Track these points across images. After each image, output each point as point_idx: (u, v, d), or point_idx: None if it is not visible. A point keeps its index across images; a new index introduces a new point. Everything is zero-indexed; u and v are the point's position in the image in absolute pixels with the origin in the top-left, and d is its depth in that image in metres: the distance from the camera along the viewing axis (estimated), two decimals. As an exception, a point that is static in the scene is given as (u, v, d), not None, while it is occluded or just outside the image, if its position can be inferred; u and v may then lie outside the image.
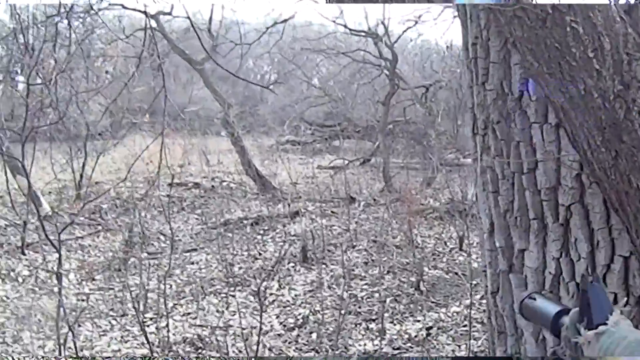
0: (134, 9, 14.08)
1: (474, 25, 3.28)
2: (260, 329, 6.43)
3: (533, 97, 3.06)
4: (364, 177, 16.23)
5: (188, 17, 14.04)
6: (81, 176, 13.57)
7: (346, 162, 16.47)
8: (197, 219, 13.21)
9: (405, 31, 17.77)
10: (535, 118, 3.09)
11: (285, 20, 15.43)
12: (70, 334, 6.31)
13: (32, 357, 6.86)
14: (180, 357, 7.00)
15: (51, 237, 7.24)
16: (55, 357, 6.69)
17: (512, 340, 3.49)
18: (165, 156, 7.89)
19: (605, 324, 1.89)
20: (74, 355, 6.45)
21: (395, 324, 7.54)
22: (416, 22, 17.25)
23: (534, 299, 2.35)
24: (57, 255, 9.45)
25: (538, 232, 3.17)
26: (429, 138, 16.21)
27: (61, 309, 6.25)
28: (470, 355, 6.70)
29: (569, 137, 2.85)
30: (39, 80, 10.78)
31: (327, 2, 17.18)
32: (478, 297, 8.05)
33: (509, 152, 3.21)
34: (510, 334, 3.48)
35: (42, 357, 6.86)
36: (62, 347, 6.25)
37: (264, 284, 8.93)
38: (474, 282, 8.59)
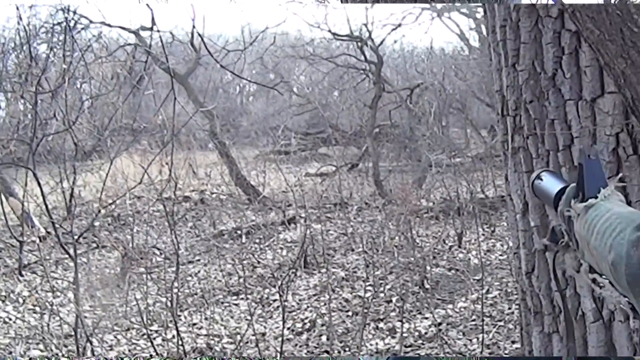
0: (119, 26, 14.14)
1: (502, 8, 3.32)
2: (284, 326, 6.46)
3: (567, 74, 3.10)
4: (353, 182, 16.21)
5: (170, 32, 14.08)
6: (71, 196, 13.48)
7: (335, 168, 16.45)
8: (189, 232, 13.19)
9: (389, 33, 17.90)
10: (570, 95, 3.12)
11: (265, 30, 15.48)
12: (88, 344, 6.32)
13: None
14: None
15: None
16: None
17: (549, 320, 3.51)
18: (170, 170, 7.95)
19: (597, 197, 1.88)
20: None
21: (404, 322, 7.54)
22: (399, 25, 17.38)
23: (541, 179, 2.30)
24: (56, 274, 9.45)
25: (575, 208, 3.19)
26: (416, 140, 16.28)
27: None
28: (484, 348, 6.75)
29: (628, 104, 2.88)
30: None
31: (342, 2, 17.19)
32: (484, 291, 8.09)
33: (543, 131, 3.24)
34: (547, 313, 3.50)
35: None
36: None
37: (267, 290, 8.98)
38: (477, 278, 8.65)
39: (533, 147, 3.32)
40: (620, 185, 2.16)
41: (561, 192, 2.09)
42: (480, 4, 17.83)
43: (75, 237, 7.31)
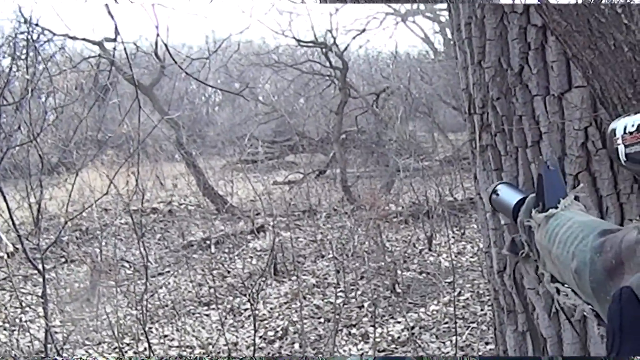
0: (82, 39, 14.02)
1: (466, 5, 3.30)
2: (255, 335, 6.41)
3: (534, 70, 3.08)
4: (321, 189, 16.17)
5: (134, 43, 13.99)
6: (38, 210, 13.33)
7: (302, 175, 16.42)
8: (158, 243, 13.08)
9: (354, 38, 17.91)
10: (537, 90, 3.11)
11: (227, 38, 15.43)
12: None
13: None
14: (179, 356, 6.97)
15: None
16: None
17: (522, 318, 3.49)
18: (136, 180, 7.87)
19: (557, 207, 1.90)
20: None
21: (376, 327, 7.51)
22: (364, 30, 17.38)
23: (497, 193, 2.31)
24: (25, 290, 9.31)
25: (544, 204, 3.17)
26: (383, 145, 16.27)
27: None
28: (458, 349, 6.74)
29: (597, 95, 2.85)
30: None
31: (320, 2, 17.15)
32: (455, 294, 8.09)
33: (510, 128, 3.22)
34: (521, 311, 3.48)
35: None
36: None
37: (237, 299, 8.92)
38: (448, 280, 8.65)
39: (501, 144, 3.30)
40: (581, 195, 2.17)
41: (520, 203, 2.10)
42: (444, 4, 17.89)
43: (43, 250, 7.19)
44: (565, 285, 1.79)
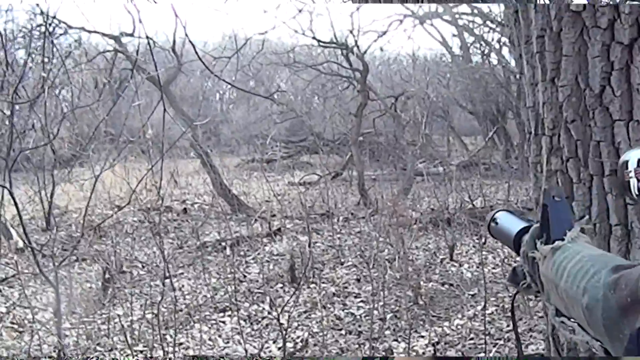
0: (99, 32, 13.83)
1: (539, 16, 3.03)
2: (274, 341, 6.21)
3: (617, 92, 2.82)
4: (337, 192, 16.00)
5: (150, 38, 13.78)
6: (50, 205, 13.17)
7: (319, 177, 16.27)
8: (171, 243, 12.87)
9: (375, 40, 17.74)
10: (619, 115, 2.85)
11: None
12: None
13: None
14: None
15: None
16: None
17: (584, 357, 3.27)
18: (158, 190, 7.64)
19: (563, 239, 1.78)
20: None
21: (399, 342, 7.29)
22: (385, 32, 17.17)
23: (496, 222, 2.18)
24: (34, 287, 9.10)
25: (621, 239, 2.92)
26: (402, 148, 16.09)
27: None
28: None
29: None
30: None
31: (343, 1, 17.02)
32: (479, 307, 7.88)
33: (585, 153, 2.96)
34: (584, 350, 3.25)
35: None
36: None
37: (254, 306, 8.71)
38: (472, 293, 8.43)
39: (574, 170, 3.05)
40: (587, 227, 2.00)
41: (521, 232, 2.01)
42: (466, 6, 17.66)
43: (55, 255, 6.98)
44: (572, 320, 1.68)
